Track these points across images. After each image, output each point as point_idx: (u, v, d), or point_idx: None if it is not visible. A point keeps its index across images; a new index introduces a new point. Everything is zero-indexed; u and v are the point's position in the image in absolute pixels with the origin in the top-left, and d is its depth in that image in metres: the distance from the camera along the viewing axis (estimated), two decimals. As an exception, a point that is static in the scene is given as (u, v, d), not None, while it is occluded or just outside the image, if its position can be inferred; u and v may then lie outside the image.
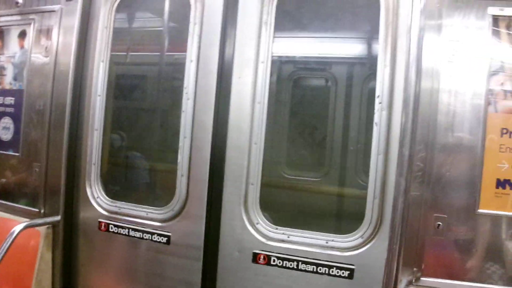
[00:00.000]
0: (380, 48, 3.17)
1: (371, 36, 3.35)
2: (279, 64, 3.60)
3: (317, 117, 3.76)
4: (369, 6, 3.31)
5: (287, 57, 3.67)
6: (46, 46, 4.25)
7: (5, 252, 3.64)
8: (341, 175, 3.75)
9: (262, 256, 3.42)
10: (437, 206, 2.95)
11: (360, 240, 3.18)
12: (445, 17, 3.00)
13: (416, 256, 2.99)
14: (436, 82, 2.97)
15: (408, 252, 2.96)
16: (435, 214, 2.95)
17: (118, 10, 4.12)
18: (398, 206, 2.89)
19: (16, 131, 4.45)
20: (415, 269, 2.99)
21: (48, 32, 4.28)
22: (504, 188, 2.89)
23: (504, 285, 2.91)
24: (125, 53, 4.25)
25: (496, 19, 2.93)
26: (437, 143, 2.96)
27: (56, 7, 4.23)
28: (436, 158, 2.96)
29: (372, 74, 3.26)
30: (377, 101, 3.16)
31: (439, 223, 2.93)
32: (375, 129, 3.16)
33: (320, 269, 3.26)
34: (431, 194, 2.97)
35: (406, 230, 2.92)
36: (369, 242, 3.15)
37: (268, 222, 3.47)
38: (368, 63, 3.39)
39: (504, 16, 2.93)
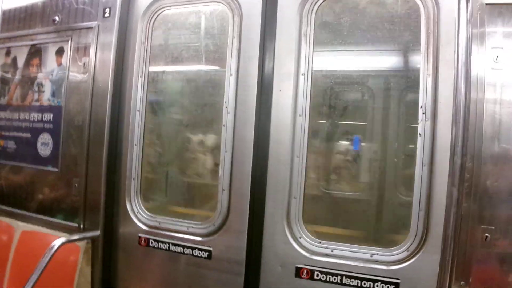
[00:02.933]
0: (422, 58, 3.21)
1: (411, 47, 3.39)
2: (320, 77, 3.65)
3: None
4: (409, 15, 3.36)
5: (327, 70, 3.71)
6: (84, 63, 4.37)
7: (45, 267, 3.74)
8: (380, 189, 3.75)
9: (305, 271, 3.45)
10: (485, 218, 2.94)
11: (405, 254, 3.19)
12: (488, 24, 3.01)
13: (463, 269, 2.98)
14: (481, 90, 2.99)
15: (457, 265, 2.97)
16: (482, 226, 2.94)
17: (155, 25, 4.24)
18: (450, 216, 2.91)
19: (55, 147, 4.56)
20: (462, 282, 2.98)
21: (85, 49, 4.39)
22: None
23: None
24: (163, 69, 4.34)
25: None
26: (483, 153, 2.96)
27: (93, 23, 4.35)
28: (483, 168, 2.96)
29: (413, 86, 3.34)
30: (420, 111, 3.19)
31: (487, 235, 2.92)
32: (419, 140, 3.18)
33: (364, 284, 3.28)
34: (478, 206, 2.96)
35: (458, 242, 2.94)
36: (415, 255, 3.16)
37: (311, 236, 3.50)
38: (411, 75, 3.42)
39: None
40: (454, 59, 3.02)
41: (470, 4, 3.00)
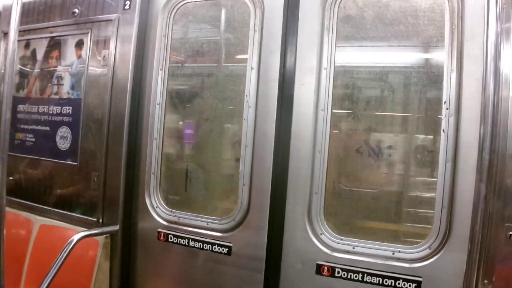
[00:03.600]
0: (446, 53, 3.26)
1: (435, 42, 3.44)
2: (343, 71, 3.71)
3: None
4: (433, 10, 3.40)
5: (350, 64, 3.76)
6: (103, 56, 4.47)
7: (63, 261, 3.84)
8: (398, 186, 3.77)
9: (326, 268, 3.51)
10: (509, 216, 2.99)
11: (427, 251, 3.24)
12: (514, 18, 3.05)
13: (487, 267, 3.01)
14: (506, 86, 3.03)
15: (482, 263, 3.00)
16: (506, 224, 2.98)
17: (176, 18, 4.34)
18: (478, 214, 2.90)
19: (74, 141, 4.67)
20: (485, 281, 3.01)
21: (105, 42, 4.50)
22: None
23: None
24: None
25: None
26: (508, 150, 3.00)
27: (113, 16, 4.44)
28: (507, 165, 3.00)
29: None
30: (444, 107, 3.24)
31: (511, 233, 2.97)
32: (442, 136, 3.23)
33: (386, 281, 3.33)
34: (502, 203, 3.00)
35: (485, 239, 2.95)
36: (437, 253, 3.21)
37: (332, 233, 3.55)
38: (434, 70, 3.47)
39: None
40: (483, 55, 3.00)
41: (499, -2, 3.04)
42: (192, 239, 4.07)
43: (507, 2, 3.05)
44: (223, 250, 3.92)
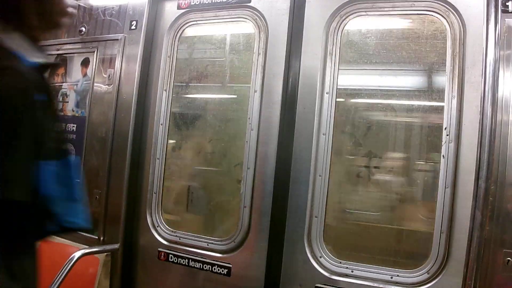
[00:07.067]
0: (447, 79, 3.33)
1: (437, 68, 3.52)
2: (345, 96, 3.79)
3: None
4: (435, 36, 3.49)
5: (352, 89, 3.84)
6: (109, 74, 4.56)
7: (63, 278, 3.86)
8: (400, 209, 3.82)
9: (324, 291, 3.55)
10: (507, 242, 3.02)
11: (425, 276, 3.28)
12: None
13: (485, 294, 3.06)
14: (506, 113, 3.07)
15: (478, 288, 3.04)
16: (504, 250, 3.01)
17: (181, 39, 4.45)
18: (473, 240, 2.99)
19: (77, 158, 4.68)
20: (483, 308, 3.05)
21: (111, 60, 4.60)
22: None
23: None
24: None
25: None
26: (507, 177, 3.03)
27: (119, 35, 4.55)
28: (506, 192, 3.03)
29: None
30: (444, 133, 3.31)
31: (508, 259, 3.00)
32: (442, 161, 3.29)
33: (384, 305, 3.36)
34: (500, 229, 3.03)
35: (480, 265, 3.01)
36: (435, 278, 3.24)
37: (331, 256, 3.60)
38: (435, 96, 3.55)
39: None
40: (481, 82, 3.12)
41: (498, 26, 3.11)
42: (192, 259, 4.11)
43: (508, 30, 3.12)
44: (222, 271, 3.97)
